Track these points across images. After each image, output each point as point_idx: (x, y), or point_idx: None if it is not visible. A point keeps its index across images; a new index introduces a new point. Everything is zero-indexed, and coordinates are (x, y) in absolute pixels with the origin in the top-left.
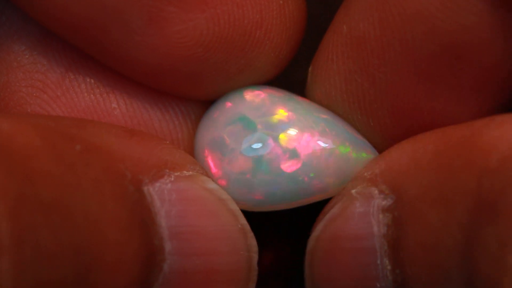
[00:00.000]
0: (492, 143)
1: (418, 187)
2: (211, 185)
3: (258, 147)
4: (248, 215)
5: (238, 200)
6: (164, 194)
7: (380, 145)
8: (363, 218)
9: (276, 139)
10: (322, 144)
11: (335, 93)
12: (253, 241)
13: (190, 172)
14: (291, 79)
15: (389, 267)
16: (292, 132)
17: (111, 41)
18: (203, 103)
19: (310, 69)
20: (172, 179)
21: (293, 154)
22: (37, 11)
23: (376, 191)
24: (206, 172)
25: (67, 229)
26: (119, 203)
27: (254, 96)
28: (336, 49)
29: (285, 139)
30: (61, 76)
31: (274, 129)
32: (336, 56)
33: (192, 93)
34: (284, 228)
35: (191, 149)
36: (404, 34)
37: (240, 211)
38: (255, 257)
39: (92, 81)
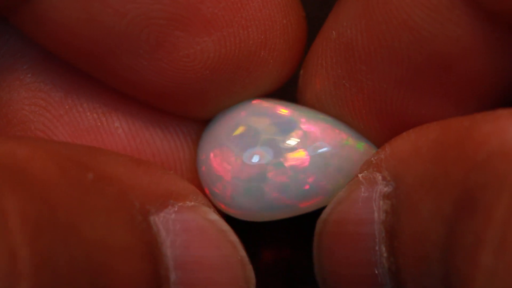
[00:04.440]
0: (484, 136)
1: (414, 176)
2: (212, 216)
3: (264, 161)
4: None
5: (245, 215)
6: (169, 224)
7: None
8: (366, 203)
9: (282, 152)
10: (330, 154)
11: (326, 97)
12: (251, 274)
13: (193, 203)
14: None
15: (385, 255)
16: (299, 145)
17: (119, 65)
18: (203, 122)
19: (301, 72)
20: (176, 209)
21: (300, 167)
22: (43, 36)
23: (380, 177)
24: (208, 202)
25: (82, 254)
26: (128, 232)
27: (255, 111)
28: (325, 54)
29: (292, 152)
30: (64, 95)
31: (279, 143)
32: (325, 61)
33: (195, 112)
34: (284, 228)
35: (192, 168)
36: (391, 43)
37: (239, 242)
38: None
39: (95, 100)
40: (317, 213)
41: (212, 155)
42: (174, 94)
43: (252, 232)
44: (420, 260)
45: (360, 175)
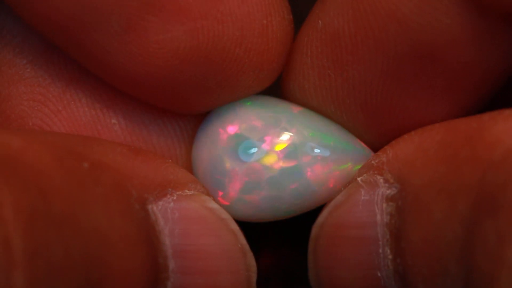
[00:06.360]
0: (497, 136)
1: (422, 177)
2: (212, 204)
3: (259, 164)
4: None
5: (242, 217)
6: (167, 213)
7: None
8: (367, 206)
9: (275, 155)
10: (322, 156)
11: (309, 87)
12: (252, 261)
13: (192, 191)
14: None
15: (390, 257)
16: (292, 147)
17: (91, 43)
18: (200, 118)
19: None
20: (175, 198)
21: (294, 170)
22: (22, 8)
23: (382, 180)
24: (207, 191)
25: (78, 244)
26: (126, 220)
27: (248, 112)
28: (310, 43)
29: (285, 155)
30: (62, 90)
31: (273, 146)
32: (311, 50)
33: (173, 105)
34: (284, 228)
35: (188, 165)
36: (378, 33)
37: (240, 231)
38: (254, 276)
39: (93, 96)
40: (317, 212)
41: (206, 165)
42: (146, 82)
43: (252, 232)
44: (433, 260)
45: (359, 179)
